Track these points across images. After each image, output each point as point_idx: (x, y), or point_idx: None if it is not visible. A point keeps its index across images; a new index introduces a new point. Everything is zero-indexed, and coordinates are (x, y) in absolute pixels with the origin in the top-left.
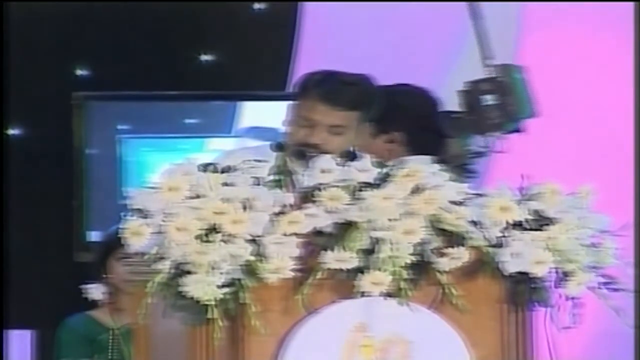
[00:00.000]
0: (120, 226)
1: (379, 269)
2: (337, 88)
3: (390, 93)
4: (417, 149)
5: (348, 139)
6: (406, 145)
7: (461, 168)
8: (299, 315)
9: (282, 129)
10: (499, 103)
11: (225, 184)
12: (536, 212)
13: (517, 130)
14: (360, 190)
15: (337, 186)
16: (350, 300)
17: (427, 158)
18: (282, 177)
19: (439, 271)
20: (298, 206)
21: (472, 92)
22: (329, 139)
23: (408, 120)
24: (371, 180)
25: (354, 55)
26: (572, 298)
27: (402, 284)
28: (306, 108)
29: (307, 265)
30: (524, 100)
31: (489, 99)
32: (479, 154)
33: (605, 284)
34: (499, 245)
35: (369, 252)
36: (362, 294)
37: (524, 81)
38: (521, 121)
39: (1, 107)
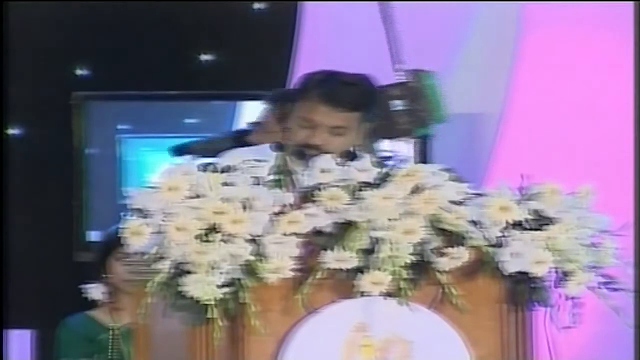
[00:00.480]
0: (120, 226)
1: (379, 269)
2: (337, 89)
3: None
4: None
5: (349, 139)
6: None
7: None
8: (299, 315)
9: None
10: (411, 109)
11: (225, 184)
12: (536, 212)
13: (429, 136)
14: (360, 190)
15: (337, 186)
16: (350, 300)
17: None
18: (282, 177)
19: (439, 271)
20: (298, 206)
21: (384, 98)
22: (330, 140)
23: None
24: (371, 180)
25: (354, 55)
26: (572, 298)
27: (402, 284)
28: (307, 109)
29: (307, 265)
30: (436, 106)
31: (400, 105)
32: (390, 159)
33: (605, 284)
34: (499, 245)
35: (369, 252)
36: (362, 294)
37: (436, 87)
38: (433, 127)
39: (1, 107)
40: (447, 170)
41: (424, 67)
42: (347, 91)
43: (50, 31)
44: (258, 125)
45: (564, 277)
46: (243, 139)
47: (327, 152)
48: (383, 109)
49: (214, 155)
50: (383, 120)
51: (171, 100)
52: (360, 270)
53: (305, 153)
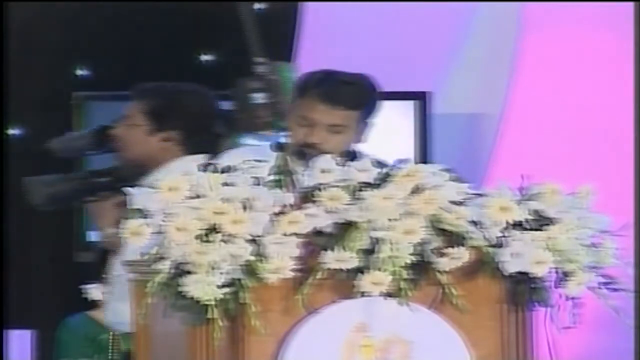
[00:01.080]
0: (121, 226)
1: (379, 269)
2: (336, 87)
3: (168, 92)
4: (193, 149)
5: (347, 138)
6: (182, 144)
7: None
8: (299, 315)
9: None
10: (270, 101)
11: (225, 184)
12: (536, 212)
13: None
14: (360, 190)
15: (337, 186)
16: (350, 300)
17: (200, 157)
18: (282, 177)
19: (439, 271)
20: (298, 206)
21: (242, 91)
22: (328, 138)
23: (184, 120)
24: (371, 180)
25: (354, 55)
26: (572, 298)
27: (402, 284)
28: (306, 108)
29: (307, 265)
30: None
31: (259, 98)
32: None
33: (605, 284)
34: (499, 245)
35: (369, 252)
36: (362, 294)
37: (294, 79)
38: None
39: (1, 107)
40: (447, 170)
41: (280, 60)
42: (345, 90)
43: (50, 31)
44: (121, 119)
45: (564, 277)
46: (103, 134)
47: (325, 151)
48: (241, 103)
49: (74, 152)
50: (242, 114)
51: None
52: (360, 270)
53: (305, 152)
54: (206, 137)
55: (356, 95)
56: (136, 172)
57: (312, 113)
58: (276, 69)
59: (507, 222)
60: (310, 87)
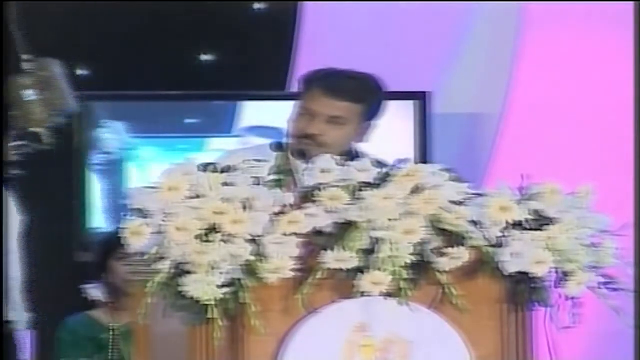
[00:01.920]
0: (120, 226)
1: (379, 269)
2: (340, 81)
3: None
4: None
5: (347, 132)
6: None
7: (15, 164)
8: (299, 315)
9: (284, 127)
10: (43, 98)
11: (225, 184)
12: (536, 212)
13: (63, 125)
14: (360, 190)
15: (337, 186)
16: (350, 300)
17: None
18: (282, 177)
19: (439, 271)
20: (298, 206)
21: (14, 88)
22: (327, 129)
23: None
24: (371, 180)
25: (354, 55)
26: (572, 298)
27: (402, 284)
28: (308, 100)
29: (307, 265)
30: (67, 94)
31: (32, 94)
32: (28, 148)
33: (605, 284)
34: (499, 245)
35: (369, 252)
36: (362, 294)
37: (64, 75)
38: (66, 115)
39: (1, 107)
40: (447, 170)
41: (49, 57)
42: (348, 83)
43: (50, 31)
44: None
45: (564, 277)
46: None
47: (323, 143)
48: (15, 100)
49: None
50: (17, 111)
51: (171, 100)
52: (360, 270)
53: (304, 150)
54: None
55: (358, 89)
56: None
57: (313, 104)
58: (46, 66)
59: (507, 222)
60: (314, 81)
